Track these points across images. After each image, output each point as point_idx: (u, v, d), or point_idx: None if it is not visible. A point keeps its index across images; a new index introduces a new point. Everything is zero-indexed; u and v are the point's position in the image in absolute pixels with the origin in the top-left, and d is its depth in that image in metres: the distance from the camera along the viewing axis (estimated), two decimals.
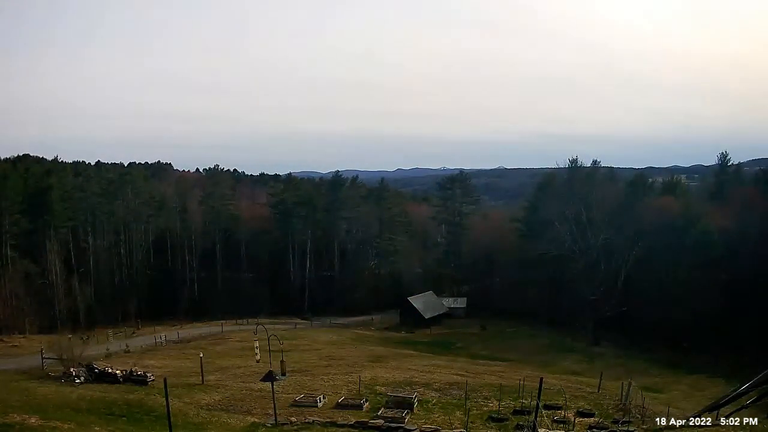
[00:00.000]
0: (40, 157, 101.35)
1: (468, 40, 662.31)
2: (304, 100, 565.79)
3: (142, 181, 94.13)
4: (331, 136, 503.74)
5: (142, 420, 21.75)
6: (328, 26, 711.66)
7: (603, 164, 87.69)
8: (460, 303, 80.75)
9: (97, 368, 30.84)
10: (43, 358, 34.68)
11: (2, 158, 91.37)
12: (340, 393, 29.45)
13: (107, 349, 47.24)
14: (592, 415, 26.52)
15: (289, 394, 28.65)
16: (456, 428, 22.53)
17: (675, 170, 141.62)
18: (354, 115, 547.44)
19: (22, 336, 58.52)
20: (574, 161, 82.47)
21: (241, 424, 22.54)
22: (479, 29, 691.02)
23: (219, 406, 25.91)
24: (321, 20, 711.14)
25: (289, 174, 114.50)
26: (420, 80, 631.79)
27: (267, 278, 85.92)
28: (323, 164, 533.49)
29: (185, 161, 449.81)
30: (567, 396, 29.96)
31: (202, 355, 35.62)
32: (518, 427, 22.79)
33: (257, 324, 46.71)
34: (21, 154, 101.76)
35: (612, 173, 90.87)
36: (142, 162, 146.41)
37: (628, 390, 29.56)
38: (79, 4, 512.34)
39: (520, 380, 31.60)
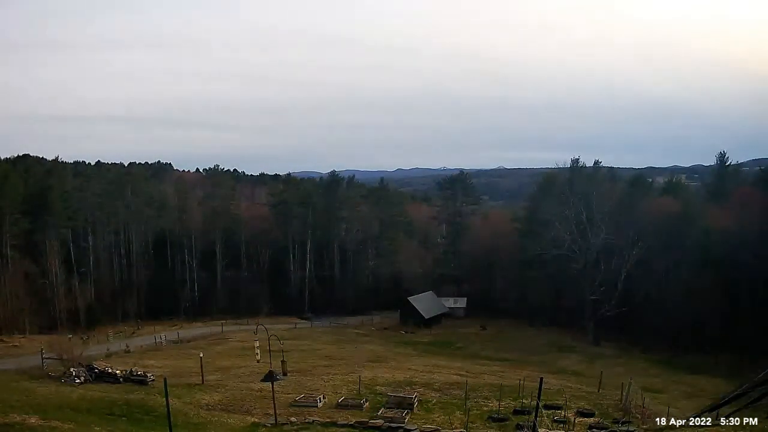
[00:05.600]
0: (40, 157, 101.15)
1: (473, 39, 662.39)
2: (304, 98, 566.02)
3: (142, 181, 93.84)
4: (331, 136, 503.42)
5: (143, 420, 21.74)
6: (328, 24, 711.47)
7: (603, 164, 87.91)
8: (460, 303, 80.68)
9: (97, 368, 30.85)
10: (43, 358, 34.64)
11: (2, 158, 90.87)
12: (340, 393, 29.45)
13: (107, 349, 47.26)
14: (592, 415, 26.55)
15: (289, 394, 28.64)
16: (456, 428, 22.52)
17: (675, 170, 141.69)
18: (354, 114, 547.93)
19: (22, 336, 58.43)
20: (574, 161, 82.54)
21: (241, 424, 22.53)
22: (484, 30, 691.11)
23: (219, 406, 25.91)
24: (320, 19, 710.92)
25: (289, 174, 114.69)
26: (423, 78, 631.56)
27: (267, 278, 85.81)
28: (323, 164, 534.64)
29: (185, 161, 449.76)
30: (567, 396, 30.07)
31: (202, 355, 35.59)
32: (518, 427, 22.81)
33: (257, 324, 46.66)
34: (21, 154, 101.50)
35: (612, 173, 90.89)
36: (142, 162, 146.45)
37: (628, 390, 29.57)
38: (77, 3, 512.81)
39: (520, 380, 31.68)
